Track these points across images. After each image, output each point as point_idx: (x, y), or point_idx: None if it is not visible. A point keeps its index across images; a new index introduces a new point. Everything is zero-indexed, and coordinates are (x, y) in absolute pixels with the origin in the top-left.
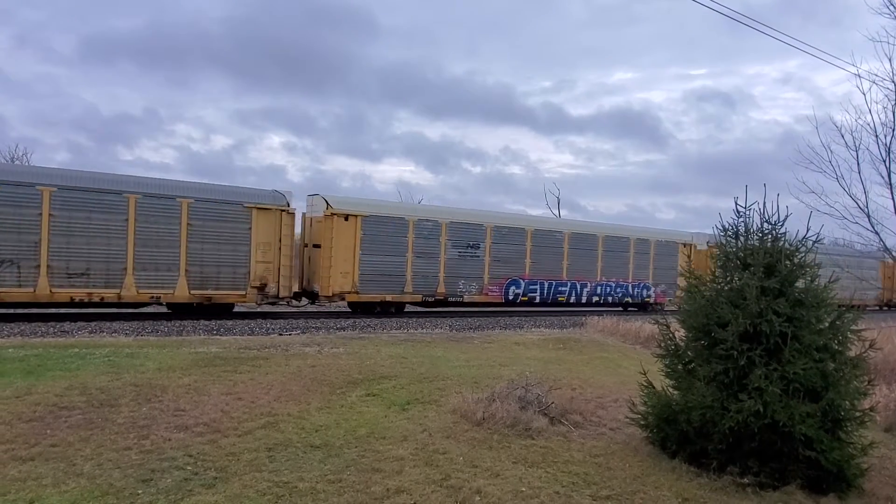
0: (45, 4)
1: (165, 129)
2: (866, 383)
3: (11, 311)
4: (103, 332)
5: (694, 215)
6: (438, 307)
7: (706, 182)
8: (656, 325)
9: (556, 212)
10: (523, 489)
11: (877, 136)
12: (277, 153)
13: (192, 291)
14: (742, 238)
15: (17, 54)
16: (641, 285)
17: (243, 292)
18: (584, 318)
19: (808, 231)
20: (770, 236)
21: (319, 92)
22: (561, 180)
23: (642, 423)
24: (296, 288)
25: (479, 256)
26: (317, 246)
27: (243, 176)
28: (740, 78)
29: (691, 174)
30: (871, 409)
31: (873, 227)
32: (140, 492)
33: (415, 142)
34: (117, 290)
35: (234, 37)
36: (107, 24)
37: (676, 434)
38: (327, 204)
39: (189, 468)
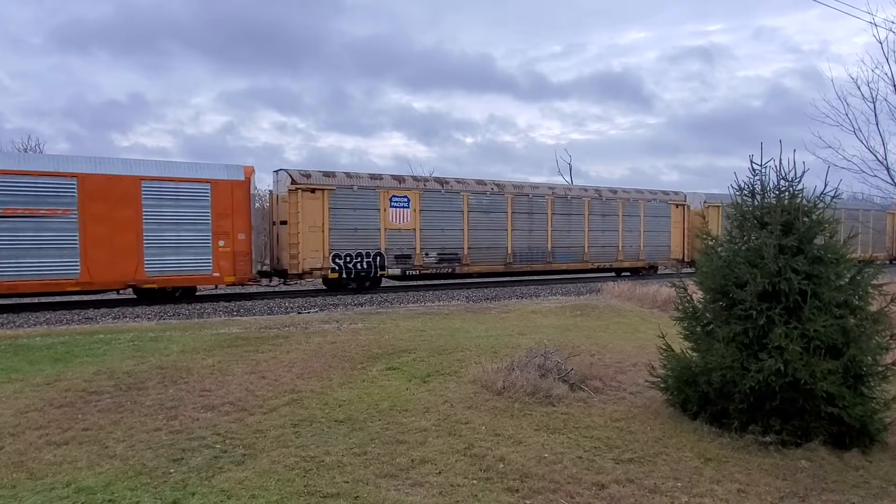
0: None
1: (154, 113)
2: (888, 338)
3: (36, 300)
4: (126, 317)
5: (697, 176)
6: None
7: (702, 141)
8: (673, 289)
9: (568, 178)
10: (546, 455)
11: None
12: (269, 133)
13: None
14: (759, 196)
15: None
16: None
17: None
18: (600, 285)
19: (825, 186)
20: (787, 193)
21: (296, 69)
22: (559, 147)
23: (662, 386)
24: None
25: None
26: None
27: (242, 157)
28: (717, 35)
29: (686, 134)
30: (894, 363)
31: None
32: (172, 471)
33: (403, 115)
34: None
35: (202, 18)
36: (75, 13)
37: (697, 396)
38: None
39: (218, 446)
